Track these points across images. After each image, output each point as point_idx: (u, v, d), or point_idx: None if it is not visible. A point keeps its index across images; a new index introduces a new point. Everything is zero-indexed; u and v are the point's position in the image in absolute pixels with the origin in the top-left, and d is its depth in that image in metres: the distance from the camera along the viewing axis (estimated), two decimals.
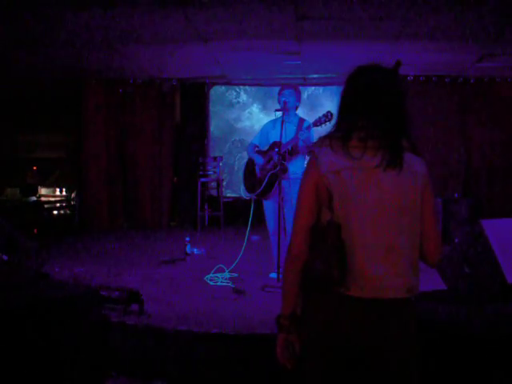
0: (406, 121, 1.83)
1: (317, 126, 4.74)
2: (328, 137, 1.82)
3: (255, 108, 9.37)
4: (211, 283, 5.00)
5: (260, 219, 5.27)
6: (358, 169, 1.74)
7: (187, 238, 6.33)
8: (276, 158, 4.86)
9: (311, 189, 1.80)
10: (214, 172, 8.83)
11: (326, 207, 1.76)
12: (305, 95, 8.71)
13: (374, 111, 1.79)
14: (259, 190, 5.03)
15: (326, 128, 4.57)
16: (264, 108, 9.22)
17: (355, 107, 1.82)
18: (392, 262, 1.73)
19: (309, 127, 4.79)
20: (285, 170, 4.84)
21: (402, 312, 1.76)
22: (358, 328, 1.73)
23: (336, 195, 1.74)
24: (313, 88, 9.16)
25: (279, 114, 4.95)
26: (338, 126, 1.85)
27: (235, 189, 8.79)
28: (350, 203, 1.74)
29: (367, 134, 1.77)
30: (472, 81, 8.60)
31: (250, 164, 5.26)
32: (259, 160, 5.11)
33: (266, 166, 5.03)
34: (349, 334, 1.74)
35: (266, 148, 5.13)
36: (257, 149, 5.22)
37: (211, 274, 5.18)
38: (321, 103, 8.94)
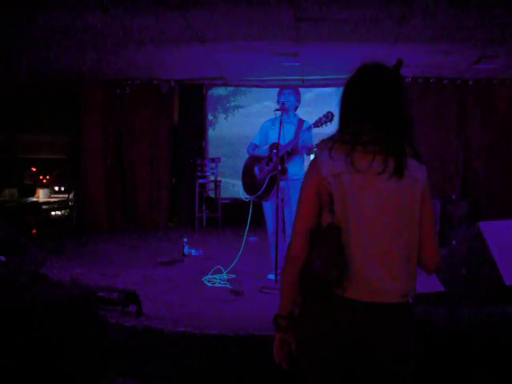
0: (410, 124, 1.82)
1: (317, 126, 4.72)
2: (331, 140, 1.80)
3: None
4: (209, 284, 5.00)
5: (258, 220, 5.26)
6: (358, 173, 1.74)
7: (185, 239, 6.34)
8: (275, 159, 4.84)
9: (312, 191, 1.80)
10: (212, 173, 8.82)
11: (327, 210, 1.76)
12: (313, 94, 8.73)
13: (379, 114, 1.77)
14: (259, 193, 4.95)
15: (325, 128, 4.57)
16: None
17: (360, 109, 1.79)
18: (388, 266, 1.74)
19: (309, 128, 4.77)
20: (284, 172, 4.82)
21: (395, 317, 1.76)
22: (352, 330, 1.74)
23: (336, 198, 1.74)
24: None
25: (278, 113, 4.94)
26: (342, 128, 1.83)
27: None
28: (350, 207, 1.74)
29: (373, 140, 1.75)
30: (470, 82, 8.62)
31: (249, 165, 5.21)
32: (264, 152, 5.01)
33: (266, 168, 5.00)
34: (343, 336, 1.75)
35: (265, 148, 5.10)
36: (257, 149, 5.20)
37: (209, 276, 5.18)
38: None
